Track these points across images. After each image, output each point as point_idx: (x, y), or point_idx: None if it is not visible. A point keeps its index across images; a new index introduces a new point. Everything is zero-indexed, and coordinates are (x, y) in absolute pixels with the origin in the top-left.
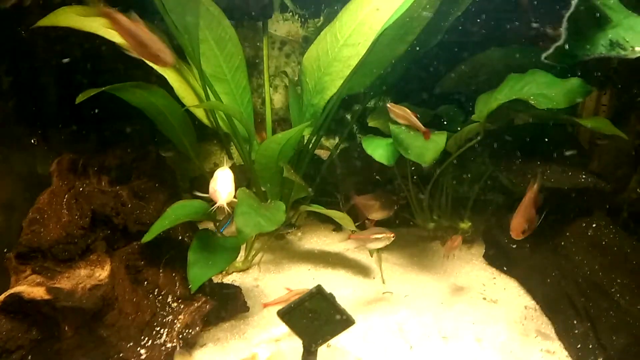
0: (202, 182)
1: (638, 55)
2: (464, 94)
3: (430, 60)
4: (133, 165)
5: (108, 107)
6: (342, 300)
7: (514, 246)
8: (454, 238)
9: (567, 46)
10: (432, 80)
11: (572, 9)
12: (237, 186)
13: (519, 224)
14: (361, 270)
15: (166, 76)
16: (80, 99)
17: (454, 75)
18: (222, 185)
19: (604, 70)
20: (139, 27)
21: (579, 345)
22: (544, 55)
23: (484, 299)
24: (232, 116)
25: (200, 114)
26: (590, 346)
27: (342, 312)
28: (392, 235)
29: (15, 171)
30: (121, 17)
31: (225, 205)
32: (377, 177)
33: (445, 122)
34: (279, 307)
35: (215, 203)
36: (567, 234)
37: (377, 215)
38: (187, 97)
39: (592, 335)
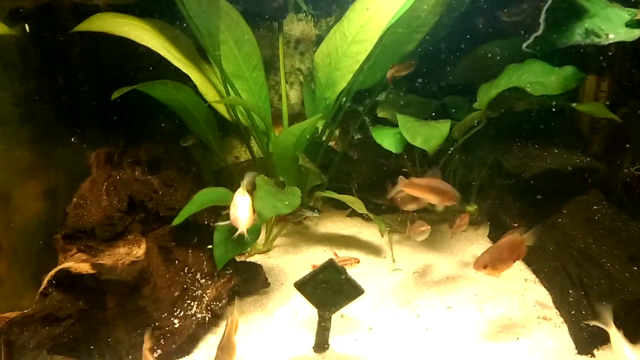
0: (225, 173)
1: (611, 41)
2: (470, 85)
3: (438, 54)
4: (162, 158)
5: (139, 106)
6: (355, 277)
7: (516, 225)
8: (462, 217)
9: (545, 35)
10: (440, 73)
11: (549, 2)
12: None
13: (483, 259)
14: (373, 250)
15: (190, 75)
16: (115, 95)
17: (460, 67)
18: (242, 212)
19: (603, 58)
20: (437, 181)
21: (573, 312)
22: (524, 44)
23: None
24: (250, 110)
25: (221, 109)
26: (583, 312)
27: (352, 282)
28: (429, 227)
29: (59, 165)
30: (420, 182)
31: (245, 232)
32: (386, 165)
33: (453, 111)
34: None
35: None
36: (565, 211)
37: (411, 207)
38: (210, 94)
39: (585, 302)
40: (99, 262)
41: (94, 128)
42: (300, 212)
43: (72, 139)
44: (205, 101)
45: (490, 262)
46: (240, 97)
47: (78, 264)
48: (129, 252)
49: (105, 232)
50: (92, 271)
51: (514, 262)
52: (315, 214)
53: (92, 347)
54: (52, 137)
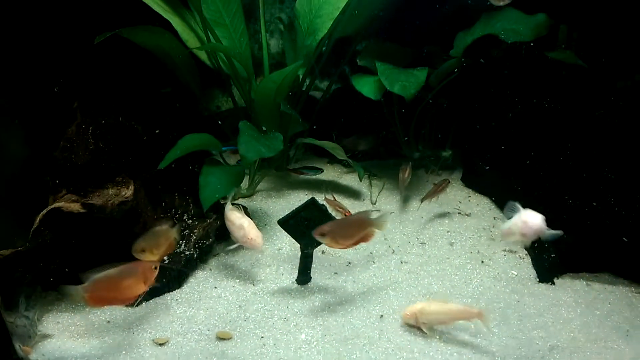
0: (207, 122)
1: None
2: (449, 33)
3: (416, 3)
4: (144, 106)
5: (119, 57)
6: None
7: (488, 168)
8: (440, 183)
9: None
10: (419, 22)
11: None
12: None
13: (321, 228)
14: (352, 194)
15: (171, 21)
16: (98, 39)
17: (439, 15)
18: (254, 231)
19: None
20: None
21: (536, 245)
22: None
23: (459, 213)
24: (231, 57)
25: (203, 56)
26: (546, 245)
27: (332, 219)
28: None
29: (42, 112)
30: None
31: (262, 248)
32: (368, 113)
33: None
34: None
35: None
36: (532, 153)
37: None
38: (191, 41)
39: None
40: (89, 202)
41: (76, 76)
42: (303, 172)
43: (55, 88)
44: (187, 47)
45: (329, 233)
46: (221, 43)
47: (69, 204)
48: (118, 193)
49: (93, 174)
50: (82, 210)
51: (359, 242)
52: (317, 174)
53: None
54: (35, 85)
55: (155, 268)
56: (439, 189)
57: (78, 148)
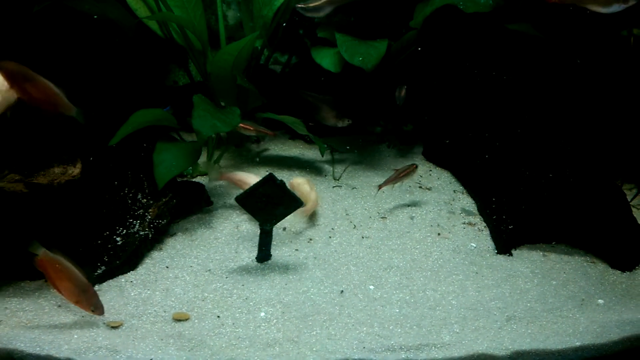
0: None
1: None
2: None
3: None
4: (95, 80)
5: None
6: None
7: (448, 142)
8: (401, 168)
9: None
10: None
11: None
12: None
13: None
14: (314, 170)
15: None
16: (36, 8)
17: None
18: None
19: None
20: None
21: (495, 217)
22: None
23: (420, 187)
24: (184, 27)
25: (154, 27)
26: (504, 216)
27: (290, 195)
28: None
29: None
30: None
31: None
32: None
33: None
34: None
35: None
36: (492, 126)
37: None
38: (140, 10)
39: (505, 209)
40: (34, 181)
41: (17, 47)
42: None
43: None
44: (136, 17)
45: (15, 67)
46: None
47: (11, 184)
48: (65, 172)
49: (37, 152)
50: (26, 190)
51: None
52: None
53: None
54: None
55: (100, 313)
56: (401, 174)
57: (19, 124)
